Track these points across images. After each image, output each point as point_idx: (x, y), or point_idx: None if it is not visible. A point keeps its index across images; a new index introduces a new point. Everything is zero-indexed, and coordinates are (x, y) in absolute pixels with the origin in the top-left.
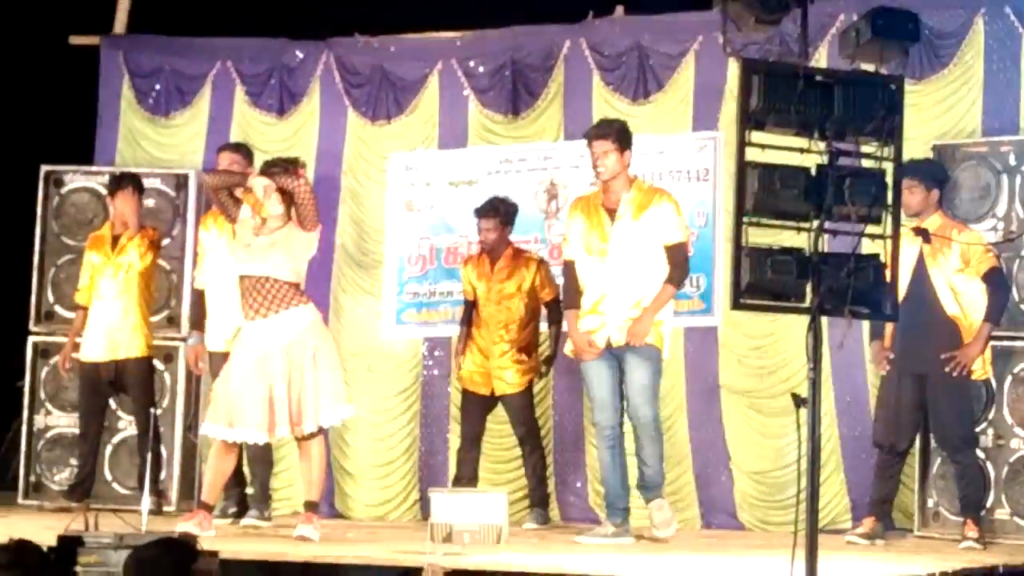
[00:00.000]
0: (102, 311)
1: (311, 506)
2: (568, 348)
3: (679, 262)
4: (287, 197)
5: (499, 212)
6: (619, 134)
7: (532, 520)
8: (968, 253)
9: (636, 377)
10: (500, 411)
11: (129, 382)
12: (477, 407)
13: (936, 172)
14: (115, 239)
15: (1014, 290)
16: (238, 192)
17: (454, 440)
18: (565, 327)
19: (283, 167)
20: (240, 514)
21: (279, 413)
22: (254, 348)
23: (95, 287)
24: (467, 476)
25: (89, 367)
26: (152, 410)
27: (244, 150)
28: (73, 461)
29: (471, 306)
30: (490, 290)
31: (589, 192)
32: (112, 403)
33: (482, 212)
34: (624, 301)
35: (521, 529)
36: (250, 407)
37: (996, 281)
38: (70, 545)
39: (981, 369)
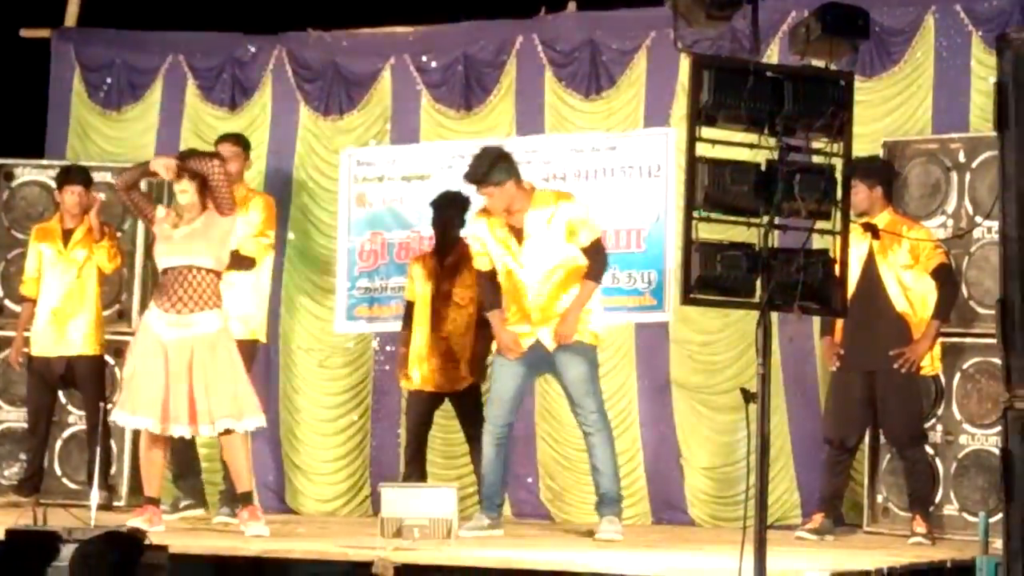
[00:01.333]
0: (53, 305)
1: (245, 498)
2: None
3: (597, 258)
4: (200, 182)
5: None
6: (497, 171)
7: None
8: (917, 249)
9: (573, 374)
10: (448, 408)
11: (80, 378)
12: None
13: (877, 170)
14: (66, 233)
15: (963, 287)
16: (144, 187)
17: (405, 435)
18: None
19: (199, 155)
20: (195, 506)
21: (177, 409)
22: (161, 340)
23: (43, 280)
24: (417, 474)
25: (40, 361)
26: (102, 405)
27: (244, 141)
28: (23, 456)
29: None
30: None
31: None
32: (62, 397)
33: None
34: (548, 308)
35: (471, 525)
36: (149, 397)
37: (945, 277)
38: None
39: (930, 365)
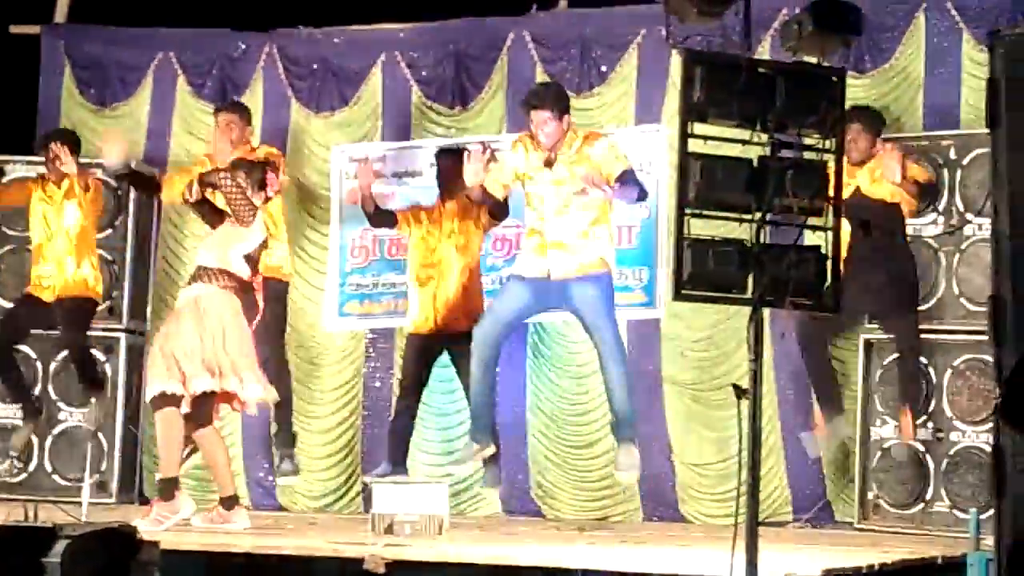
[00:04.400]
0: None
1: (223, 502)
2: None
3: (629, 185)
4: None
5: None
6: (566, 102)
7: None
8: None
9: (585, 299)
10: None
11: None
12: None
13: (879, 118)
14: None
15: (954, 283)
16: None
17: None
18: None
19: (247, 167)
20: None
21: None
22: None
23: None
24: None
25: None
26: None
27: (241, 107)
28: (12, 453)
29: None
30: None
31: None
32: (52, 393)
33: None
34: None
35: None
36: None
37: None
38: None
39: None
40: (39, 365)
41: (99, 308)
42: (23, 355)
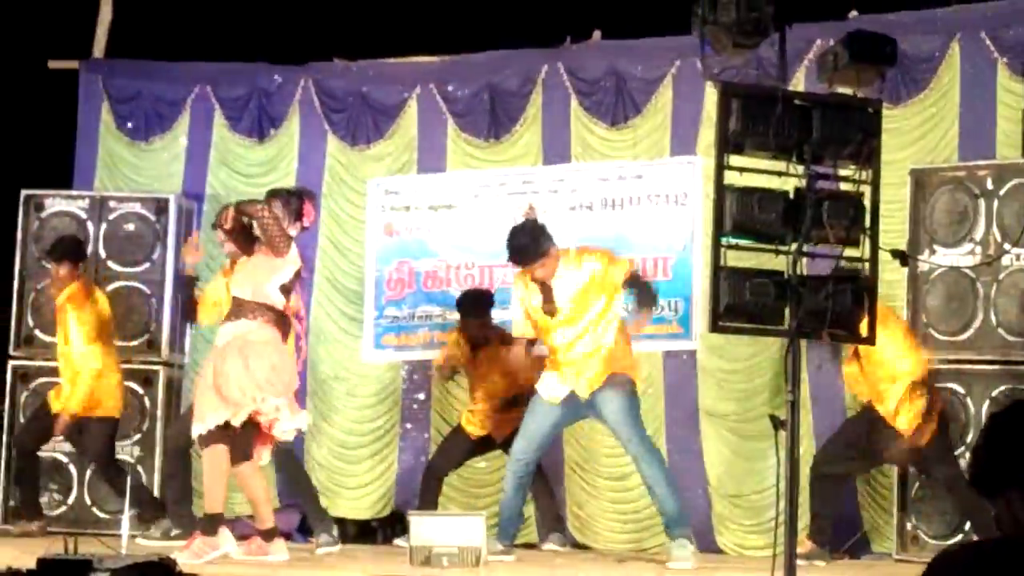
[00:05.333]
0: None
1: (263, 534)
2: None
3: (639, 286)
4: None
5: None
6: (544, 242)
7: (554, 542)
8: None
9: (610, 408)
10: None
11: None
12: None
13: None
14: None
15: (992, 314)
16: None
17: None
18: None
19: (284, 197)
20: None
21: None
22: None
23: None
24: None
25: None
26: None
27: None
28: (53, 486)
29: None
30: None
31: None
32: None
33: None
34: (582, 362)
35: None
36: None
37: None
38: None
39: None
40: None
41: (138, 342)
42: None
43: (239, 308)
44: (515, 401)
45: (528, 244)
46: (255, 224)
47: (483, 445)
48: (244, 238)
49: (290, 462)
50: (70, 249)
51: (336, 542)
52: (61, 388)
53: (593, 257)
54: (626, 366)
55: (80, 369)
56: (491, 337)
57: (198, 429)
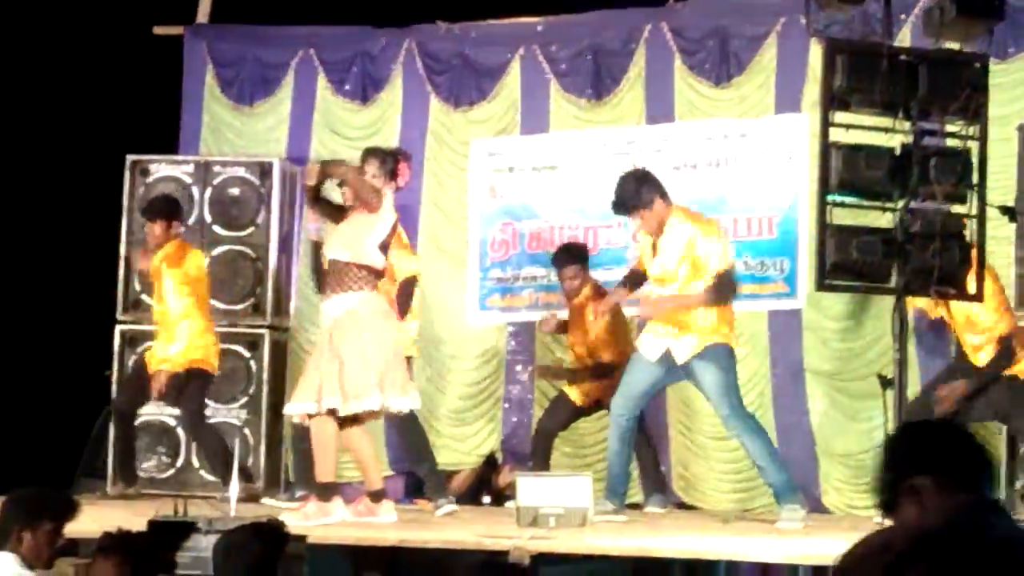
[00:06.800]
0: None
1: (371, 496)
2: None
3: (720, 284)
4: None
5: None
6: (645, 192)
7: (655, 504)
8: None
9: (706, 380)
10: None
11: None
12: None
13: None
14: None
15: None
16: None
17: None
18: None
19: (381, 155)
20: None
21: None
22: (325, 326)
23: None
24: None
25: None
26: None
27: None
28: (161, 448)
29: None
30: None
31: None
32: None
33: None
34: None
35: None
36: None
37: None
38: (175, 530)
39: None
40: None
41: (243, 305)
42: None
43: (340, 276)
44: (611, 368)
45: (630, 192)
46: (343, 184)
47: (589, 407)
48: (326, 205)
49: (415, 426)
50: (164, 208)
51: (454, 503)
52: (156, 349)
53: (706, 236)
54: (724, 334)
55: (176, 326)
56: (582, 289)
57: (308, 408)
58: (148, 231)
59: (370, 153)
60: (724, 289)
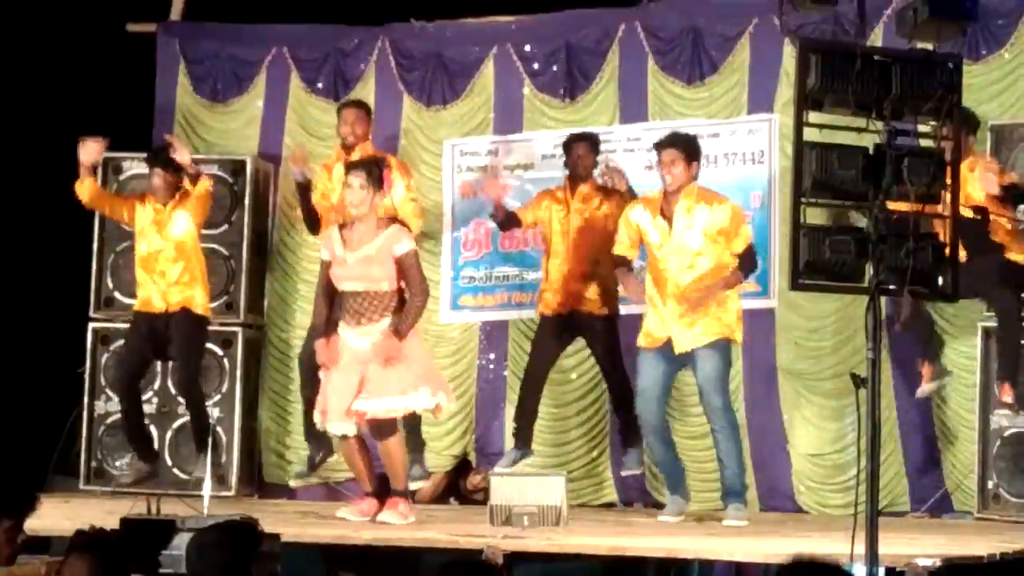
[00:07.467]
0: None
1: (398, 493)
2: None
3: (748, 261)
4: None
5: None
6: (696, 148)
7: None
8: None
9: (707, 369)
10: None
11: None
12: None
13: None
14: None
15: None
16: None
17: (509, 424)
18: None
19: (366, 169)
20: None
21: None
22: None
23: None
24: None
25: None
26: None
27: (364, 105)
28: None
29: None
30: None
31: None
32: (171, 387)
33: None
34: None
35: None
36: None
37: None
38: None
39: None
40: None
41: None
42: None
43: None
44: (592, 274)
45: (696, 144)
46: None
47: (564, 329)
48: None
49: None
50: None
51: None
52: (151, 292)
53: (727, 210)
54: (732, 329)
55: (195, 259)
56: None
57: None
58: (160, 177)
59: (354, 167)
60: (752, 263)
